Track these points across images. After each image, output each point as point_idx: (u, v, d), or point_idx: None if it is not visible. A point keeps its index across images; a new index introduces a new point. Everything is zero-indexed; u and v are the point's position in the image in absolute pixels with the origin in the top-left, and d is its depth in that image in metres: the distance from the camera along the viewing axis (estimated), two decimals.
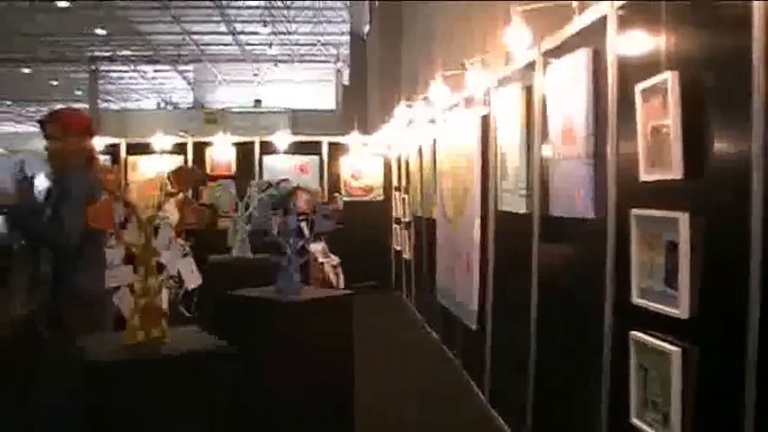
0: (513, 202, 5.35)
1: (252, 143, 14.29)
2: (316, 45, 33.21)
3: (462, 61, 6.36)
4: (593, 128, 3.90)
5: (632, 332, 3.29)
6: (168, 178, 3.19)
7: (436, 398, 6.86)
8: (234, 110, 34.40)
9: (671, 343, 3.02)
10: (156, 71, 37.83)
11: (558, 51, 4.42)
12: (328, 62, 35.00)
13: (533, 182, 4.90)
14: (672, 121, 2.95)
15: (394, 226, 13.30)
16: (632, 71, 3.43)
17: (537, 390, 4.86)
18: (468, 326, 6.69)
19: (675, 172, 2.95)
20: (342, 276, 9.51)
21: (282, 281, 4.89)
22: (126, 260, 3.24)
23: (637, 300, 3.29)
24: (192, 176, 3.29)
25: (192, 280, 3.45)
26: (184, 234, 3.37)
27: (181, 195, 3.33)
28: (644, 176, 3.24)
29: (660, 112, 3.07)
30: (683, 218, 2.91)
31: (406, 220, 11.85)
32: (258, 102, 37.54)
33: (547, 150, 4.64)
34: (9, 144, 39.63)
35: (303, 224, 5.32)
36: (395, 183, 13.36)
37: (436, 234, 8.46)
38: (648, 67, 3.22)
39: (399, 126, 11.59)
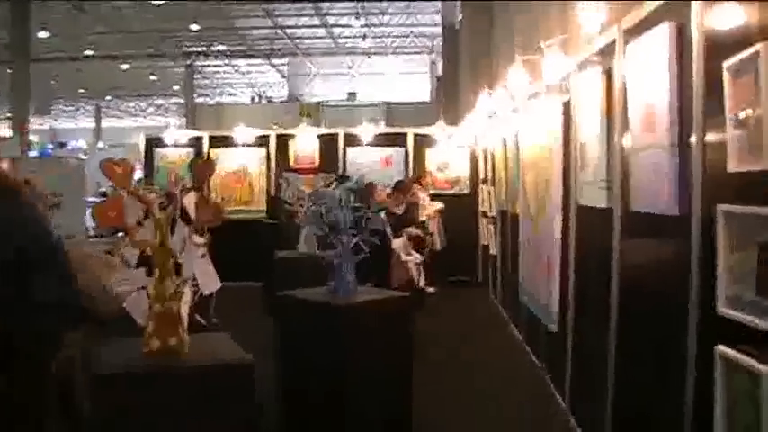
0: (594, 195, 4.91)
1: (336, 135, 14.13)
2: (408, 37, 32.86)
3: (539, 44, 5.88)
4: (678, 113, 3.45)
5: (718, 347, 2.85)
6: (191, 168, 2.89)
7: (515, 403, 6.47)
8: (328, 103, 34.43)
9: (762, 361, 2.58)
10: (249, 65, 38.13)
11: (639, 29, 3.97)
12: (422, 53, 34.59)
13: (614, 174, 4.46)
14: (765, 102, 2.51)
15: (481, 220, 12.89)
16: (722, 47, 2.98)
17: (616, 402, 4.42)
18: (549, 328, 6.26)
19: None
20: (423, 274, 9.15)
21: (334, 281, 4.56)
22: (140, 262, 2.98)
23: (723, 309, 2.85)
24: (207, 169, 2.99)
25: (209, 284, 3.15)
26: (206, 232, 3.08)
27: (194, 193, 3.02)
28: (733, 167, 2.79)
29: (751, 91, 2.63)
30: None
31: (492, 214, 11.44)
32: (352, 95, 37.48)
33: (628, 140, 4.19)
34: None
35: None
36: (481, 175, 12.95)
37: (519, 231, 8.04)
38: (740, 41, 2.77)
39: (482, 116, 11.18)
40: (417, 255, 9.07)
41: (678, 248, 3.40)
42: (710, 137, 3.10)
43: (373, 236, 4.68)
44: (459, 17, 21.66)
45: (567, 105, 5.81)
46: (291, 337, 4.39)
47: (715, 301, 2.89)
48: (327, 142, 13.91)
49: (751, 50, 2.58)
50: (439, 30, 25.60)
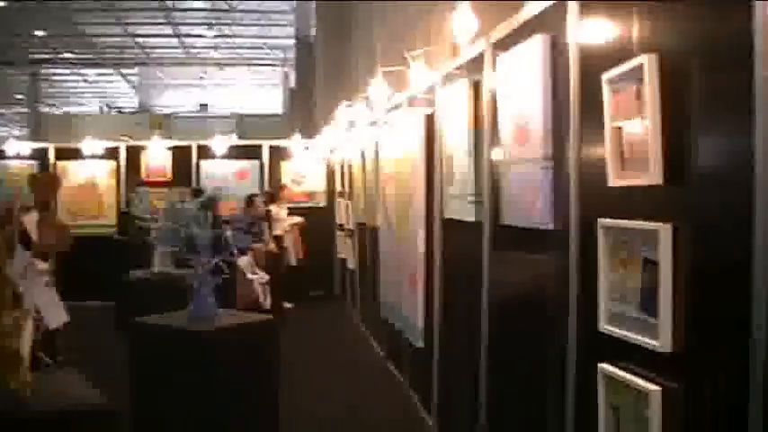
0: (461, 209, 4.84)
1: (189, 147, 13.67)
2: (262, 48, 32.49)
3: (404, 54, 5.79)
4: (552, 125, 3.40)
5: (602, 365, 2.78)
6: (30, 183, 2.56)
7: (378, 421, 6.32)
8: (180, 114, 33.50)
9: (649, 380, 2.53)
10: (99, 74, 36.70)
11: (509, 41, 3.91)
12: (275, 65, 34.26)
13: (483, 187, 4.39)
14: (650, 115, 2.45)
15: (338, 233, 12.75)
16: (598, 59, 2.94)
17: (489, 422, 4.34)
18: (414, 343, 6.16)
19: (654, 176, 2.45)
20: (269, 295, 8.79)
21: (193, 305, 4.24)
22: None
23: (606, 327, 2.79)
24: (50, 184, 2.68)
25: (55, 316, 2.81)
26: (52, 259, 2.75)
27: (35, 212, 2.70)
28: (614, 182, 2.74)
29: (633, 104, 2.58)
30: (664, 230, 2.42)
31: (350, 227, 11.31)
32: (204, 106, 36.69)
33: (498, 152, 4.13)
34: None
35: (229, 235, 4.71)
36: (338, 188, 12.81)
37: (378, 244, 7.92)
38: (619, 52, 2.72)
39: (341, 129, 11.05)
40: (263, 273, 8.70)
41: (555, 263, 3.34)
42: (588, 150, 3.05)
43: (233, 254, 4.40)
44: (313, 30, 21.55)
45: (430, 118, 5.73)
46: (147, 366, 4.04)
47: (597, 318, 2.82)
48: (180, 154, 13.43)
49: (633, 63, 2.53)
50: (292, 42, 25.41)
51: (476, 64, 4.53)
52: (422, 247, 5.83)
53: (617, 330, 2.71)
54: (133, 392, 4.11)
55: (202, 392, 3.92)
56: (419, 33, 6.72)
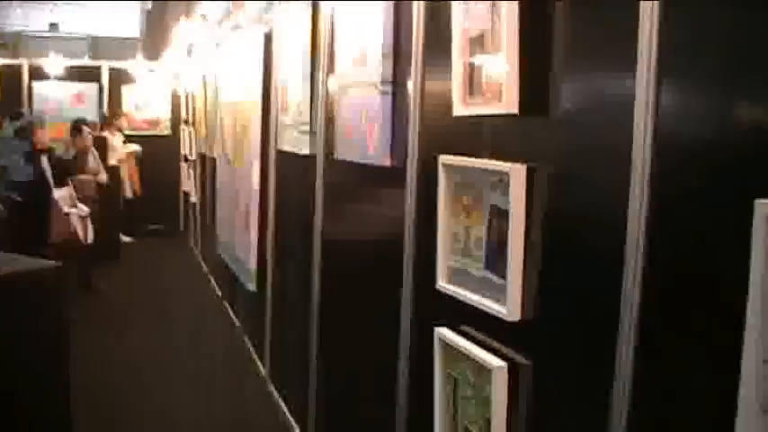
0: (295, 140, 4.28)
1: (19, 67, 12.47)
2: None
3: None
4: (393, 43, 2.87)
5: (439, 329, 2.32)
6: None
7: (209, 372, 5.78)
8: (27, 33, 31.15)
9: (493, 351, 2.08)
10: None
11: None
12: None
13: (318, 116, 3.84)
14: (505, 24, 1.96)
15: (182, 164, 11.95)
16: None
17: (321, 381, 3.87)
18: (248, 287, 5.62)
19: (507, 104, 1.96)
20: (91, 229, 7.95)
21: None
22: None
23: (443, 285, 2.32)
24: None
25: None
26: None
27: None
28: (459, 110, 2.24)
29: (485, 12, 2.08)
30: (517, 171, 1.94)
31: (193, 158, 10.55)
32: (54, 25, 34.37)
33: (335, 76, 3.58)
34: None
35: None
36: (183, 116, 11.97)
37: (216, 177, 7.29)
38: None
39: (183, 51, 10.21)
40: (83, 207, 7.86)
41: (391, 206, 2.85)
42: (433, 73, 2.55)
43: (14, 189, 3.70)
44: None
45: (268, 39, 5.12)
46: None
47: (435, 272, 2.35)
48: (10, 75, 12.21)
49: None
50: None
51: None
52: (256, 184, 5.26)
53: (457, 290, 2.24)
54: None
55: None
56: None
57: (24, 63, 12.67)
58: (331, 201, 3.71)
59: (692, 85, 1.51)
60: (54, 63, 12.67)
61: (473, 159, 2.15)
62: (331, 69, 3.65)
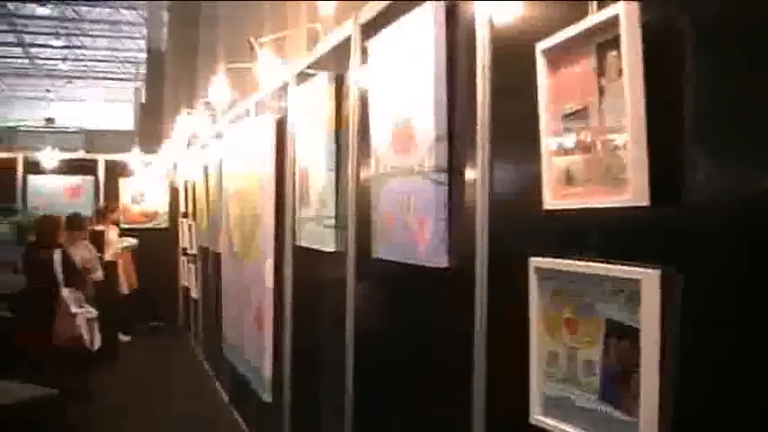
0: (318, 235, 3.85)
1: (14, 160, 12.17)
2: (113, 61, 30.71)
3: (249, 40, 4.70)
4: (447, 124, 2.47)
5: None
6: None
7: None
8: (24, 128, 31.11)
9: None
10: None
11: (384, 21, 2.97)
12: (126, 80, 32.44)
13: (348, 208, 3.41)
14: (629, 95, 1.54)
15: (181, 258, 11.50)
16: (517, 30, 2.03)
17: None
18: (261, 396, 5.09)
19: (635, 193, 1.54)
20: (98, 334, 7.40)
21: None
22: None
23: (538, 417, 1.86)
24: None
25: None
26: None
27: None
28: (552, 203, 1.82)
29: (590, 82, 1.67)
30: (649, 277, 1.51)
31: (193, 251, 10.11)
32: (50, 120, 34.45)
33: (369, 165, 3.17)
34: None
35: None
36: (182, 208, 11.58)
37: (221, 273, 6.82)
38: (550, 20, 1.83)
39: (182, 142, 9.87)
40: (89, 307, 7.34)
41: (451, 315, 2.40)
42: (504, 155, 2.13)
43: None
44: (165, 42, 20.23)
45: (282, 124, 4.74)
46: None
47: (525, 401, 1.89)
48: (5, 168, 11.90)
49: (605, 14, 1.62)
50: (144, 56, 23.96)
51: (339, 53, 3.57)
52: (270, 282, 4.79)
53: (560, 426, 1.79)
54: None
55: None
56: (270, 24, 5.69)
57: (20, 156, 12.44)
58: (367, 305, 3.25)
59: None
60: (49, 156, 12.42)
61: (580, 263, 1.71)
62: (362, 153, 3.25)
